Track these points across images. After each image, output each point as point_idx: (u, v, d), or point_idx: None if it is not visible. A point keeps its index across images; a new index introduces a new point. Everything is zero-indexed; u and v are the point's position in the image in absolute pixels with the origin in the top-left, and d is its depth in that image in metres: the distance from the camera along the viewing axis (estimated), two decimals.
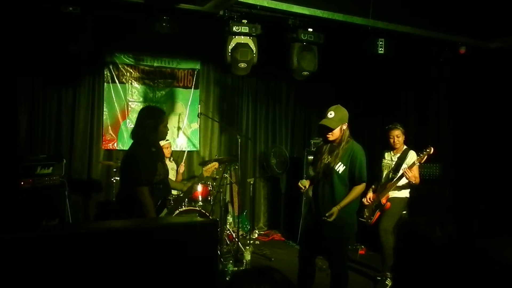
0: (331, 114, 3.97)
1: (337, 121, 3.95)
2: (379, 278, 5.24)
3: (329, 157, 4.05)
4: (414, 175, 5.07)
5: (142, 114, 4.05)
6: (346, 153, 3.97)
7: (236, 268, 5.45)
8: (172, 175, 6.17)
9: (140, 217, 3.78)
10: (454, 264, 1.54)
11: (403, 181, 5.15)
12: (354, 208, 4.09)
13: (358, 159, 3.95)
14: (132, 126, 6.97)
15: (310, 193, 4.44)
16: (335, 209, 3.87)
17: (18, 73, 6.41)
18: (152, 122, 3.91)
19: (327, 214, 3.86)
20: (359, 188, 3.99)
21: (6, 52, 6.14)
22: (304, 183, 4.24)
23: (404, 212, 5.38)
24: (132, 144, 4.03)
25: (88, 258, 2.68)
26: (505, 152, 5.80)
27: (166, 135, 4.17)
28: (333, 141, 4.03)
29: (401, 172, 5.10)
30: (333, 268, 4.19)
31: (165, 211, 4.24)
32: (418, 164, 5.09)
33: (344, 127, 3.99)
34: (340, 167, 3.97)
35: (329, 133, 3.97)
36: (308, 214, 4.37)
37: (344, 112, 4.03)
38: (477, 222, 5.69)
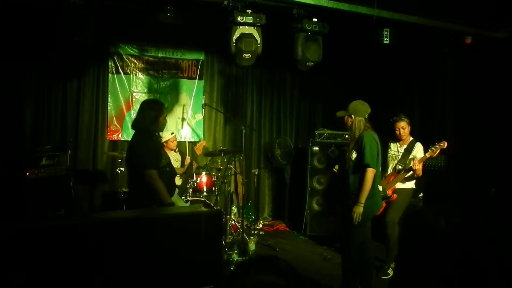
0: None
1: (345, 111, 4.31)
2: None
3: (349, 148, 4.34)
4: (420, 168, 5.09)
5: (143, 106, 4.27)
6: (358, 142, 4.18)
7: (240, 258, 5.48)
8: (176, 165, 6.19)
9: (153, 202, 3.89)
10: (458, 255, 1.55)
11: (410, 173, 5.15)
12: (369, 193, 4.11)
13: (363, 144, 4.11)
14: None
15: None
16: (356, 208, 4.07)
17: (23, 65, 6.41)
18: (153, 113, 4.12)
19: (353, 216, 4.07)
20: (367, 176, 4.06)
21: (11, 44, 6.14)
22: (336, 167, 4.83)
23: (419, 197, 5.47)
24: (135, 134, 4.22)
25: (95, 248, 2.70)
26: (511, 143, 5.76)
27: (165, 126, 4.41)
28: (350, 131, 4.36)
29: (411, 164, 5.10)
30: (342, 250, 4.28)
31: (176, 190, 4.57)
32: (428, 157, 5.09)
33: (353, 118, 4.25)
34: (353, 155, 4.21)
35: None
36: None
37: (357, 106, 4.29)
38: (482, 213, 5.68)
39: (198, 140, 7.54)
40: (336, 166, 4.84)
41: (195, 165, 6.34)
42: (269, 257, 1.21)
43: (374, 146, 4.16)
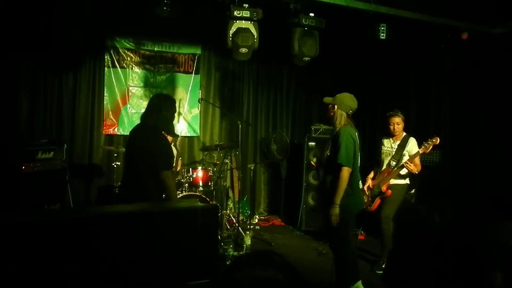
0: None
1: (332, 99, 4.18)
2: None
3: (327, 145, 4.22)
4: (415, 164, 5.11)
5: (159, 104, 4.15)
6: (334, 138, 4.09)
7: (236, 253, 5.49)
8: None
9: (157, 198, 3.96)
10: (452, 250, 1.56)
11: (404, 169, 5.18)
12: (349, 192, 4.02)
13: (339, 142, 3.99)
14: (133, 111, 7.06)
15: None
16: (331, 211, 3.97)
17: (19, 58, 6.38)
18: (169, 114, 4.15)
19: (331, 219, 3.98)
20: (342, 175, 3.94)
21: (7, 37, 6.11)
22: (314, 160, 4.47)
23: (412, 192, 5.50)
24: (144, 130, 4.11)
25: (91, 242, 2.70)
26: (506, 139, 5.79)
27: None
28: (330, 122, 4.22)
29: (404, 160, 5.13)
30: (332, 249, 4.27)
31: None
32: (421, 153, 5.11)
33: (337, 110, 4.11)
34: (329, 152, 4.12)
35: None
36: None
37: (344, 99, 4.14)
38: (477, 208, 5.71)
39: (195, 135, 7.54)
40: (314, 159, 4.79)
41: (179, 164, 6.36)
42: (266, 251, 1.21)
43: (351, 144, 3.99)
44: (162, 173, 3.90)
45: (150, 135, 4.03)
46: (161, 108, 4.09)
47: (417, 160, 5.15)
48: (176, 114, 7.19)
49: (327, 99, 4.23)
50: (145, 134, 4.07)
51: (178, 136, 6.09)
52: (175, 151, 6.49)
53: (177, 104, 7.26)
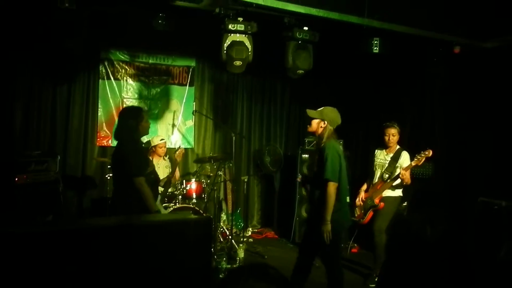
0: (319, 108, 4.20)
1: (317, 113, 4.17)
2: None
3: (314, 159, 4.23)
4: (408, 176, 5.13)
5: (122, 116, 4.29)
6: (320, 152, 4.09)
7: (229, 266, 5.47)
8: (166, 173, 6.18)
9: (139, 210, 3.91)
10: (444, 262, 1.57)
11: (397, 181, 5.19)
12: (338, 207, 4.01)
13: (324, 157, 4.00)
14: None
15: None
16: (324, 228, 3.94)
17: (14, 69, 6.38)
18: (133, 122, 4.14)
19: (324, 236, 3.94)
20: (329, 191, 3.94)
21: (2, 48, 6.11)
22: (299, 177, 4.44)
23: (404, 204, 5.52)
24: (119, 143, 4.24)
25: (83, 254, 2.69)
26: (500, 151, 5.83)
27: (148, 129, 4.39)
28: (314, 135, 4.26)
29: (397, 172, 5.14)
30: (325, 264, 4.25)
31: (159, 198, 4.68)
32: (414, 165, 5.13)
33: (323, 125, 4.12)
34: (316, 168, 4.13)
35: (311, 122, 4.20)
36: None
37: (332, 114, 4.17)
38: (470, 220, 5.73)
39: (189, 146, 7.54)
40: (299, 176, 4.80)
41: (177, 176, 6.33)
42: (260, 264, 1.22)
43: (336, 159, 4.01)
44: (134, 180, 3.92)
45: (119, 146, 4.19)
46: (124, 118, 4.20)
47: (407, 173, 5.17)
48: (170, 126, 7.37)
49: (312, 113, 4.21)
50: (117, 147, 4.23)
51: (151, 144, 6.12)
52: (168, 163, 6.49)
53: (171, 116, 7.41)
